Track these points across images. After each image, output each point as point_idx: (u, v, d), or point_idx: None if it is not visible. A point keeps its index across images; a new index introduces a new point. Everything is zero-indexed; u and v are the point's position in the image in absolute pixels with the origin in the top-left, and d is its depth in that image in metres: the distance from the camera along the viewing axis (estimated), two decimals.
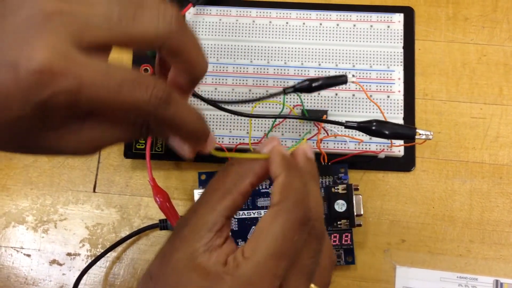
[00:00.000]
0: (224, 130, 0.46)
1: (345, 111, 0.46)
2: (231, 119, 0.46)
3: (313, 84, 0.39)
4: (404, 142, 0.45)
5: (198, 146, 0.27)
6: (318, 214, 0.27)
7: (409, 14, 0.48)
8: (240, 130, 0.45)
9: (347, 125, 0.39)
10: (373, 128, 0.39)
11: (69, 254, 0.46)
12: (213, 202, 0.26)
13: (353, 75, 0.41)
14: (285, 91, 0.39)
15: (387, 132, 0.39)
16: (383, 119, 0.41)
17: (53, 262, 0.46)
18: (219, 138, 0.45)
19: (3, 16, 0.21)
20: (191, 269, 0.25)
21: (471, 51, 0.48)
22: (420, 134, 0.38)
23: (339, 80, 0.40)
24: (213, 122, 0.46)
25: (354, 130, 0.45)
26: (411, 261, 0.44)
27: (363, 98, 0.46)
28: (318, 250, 0.27)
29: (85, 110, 0.22)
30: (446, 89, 0.47)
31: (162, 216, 0.44)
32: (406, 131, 0.38)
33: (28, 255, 0.46)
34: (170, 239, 0.27)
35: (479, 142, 0.46)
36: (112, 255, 0.45)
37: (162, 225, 0.44)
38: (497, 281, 0.43)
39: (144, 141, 0.46)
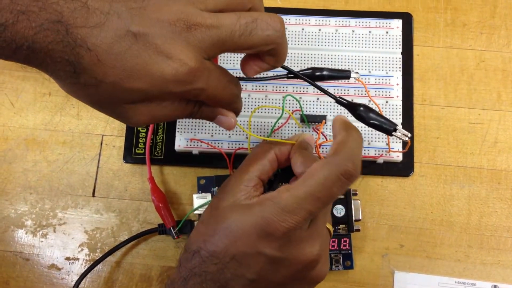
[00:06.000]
0: (223, 135, 0.46)
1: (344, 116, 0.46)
2: None
3: (316, 73, 0.39)
4: (403, 146, 0.45)
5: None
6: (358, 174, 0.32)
7: (407, 20, 0.49)
8: (239, 135, 0.46)
9: (338, 100, 0.38)
10: (358, 110, 0.38)
11: (68, 259, 0.46)
12: (247, 166, 0.35)
13: (357, 72, 0.40)
14: (288, 76, 0.39)
15: (367, 120, 0.38)
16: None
17: (52, 266, 0.46)
18: (218, 143, 0.45)
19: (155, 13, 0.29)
20: (235, 208, 0.32)
21: (469, 57, 0.48)
22: (397, 131, 0.37)
23: (342, 74, 0.40)
24: (213, 126, 0.46)
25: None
26: (409, 266, 0.44)
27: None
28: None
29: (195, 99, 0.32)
30: (444, 95, 0.48)
31: (161, 221, 0.44)
32: (385, 125, 0.38)
33: (27, 259, 0.46)
34: (216, 195, 0.34)
35: (477, 147, 0.46)
36: (111, 259, 0.45)
37: (161, 229, 0.44)
38: (495, 286, 0.43)
39: (143, 144, 0.46)
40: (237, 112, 0.36)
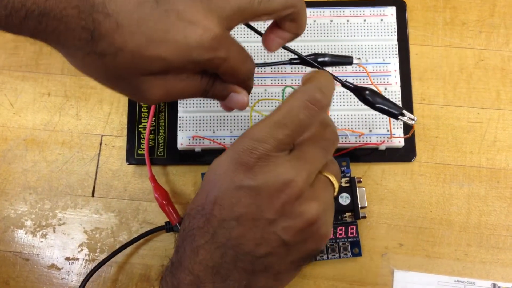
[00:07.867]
0: (225, 131, 0.46)
1: (345, 105, 0.46)
2: (232, 119, 0.46)
3: (319, 59, 0.39)
4: (404, 130, 0.45)
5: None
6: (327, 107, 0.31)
7: (401, 7, 0.49)
8: (241, 130, 0.46)
9: (344, 84, 0.38)
10: (364, 94, 0.38)
11: (67, 259, 0.46)
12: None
13: (359, 58, 0.40)
14: (291, 61, 0.39)
15: (374, 103, 0.38)
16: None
17: (52, 266, 0.46)
18: (220, 139, 0.45)
19: None
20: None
21: (468, 56, 0.48)
22: (403, 115, 0.37)
23: (344, 60, 0.40)
24: (214, 122, 0.46)
25: (354, 124, 0.46)
26: (408, 265, 0.44)
27: None
28: (330, 138, 0.32)
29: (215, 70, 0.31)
30: (443, 94, 0.48)
31: (161, 222, 0.44)
32: (392, 109, 0.37)
33: (27, 260, 0.46)
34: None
35: (476, 146, 0.46)
36: (111, 259, 0.45)
37: (168, 227, 0.44)
38: (494, 285, 0.44)
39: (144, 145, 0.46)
40: (249, 91, 0.35)
